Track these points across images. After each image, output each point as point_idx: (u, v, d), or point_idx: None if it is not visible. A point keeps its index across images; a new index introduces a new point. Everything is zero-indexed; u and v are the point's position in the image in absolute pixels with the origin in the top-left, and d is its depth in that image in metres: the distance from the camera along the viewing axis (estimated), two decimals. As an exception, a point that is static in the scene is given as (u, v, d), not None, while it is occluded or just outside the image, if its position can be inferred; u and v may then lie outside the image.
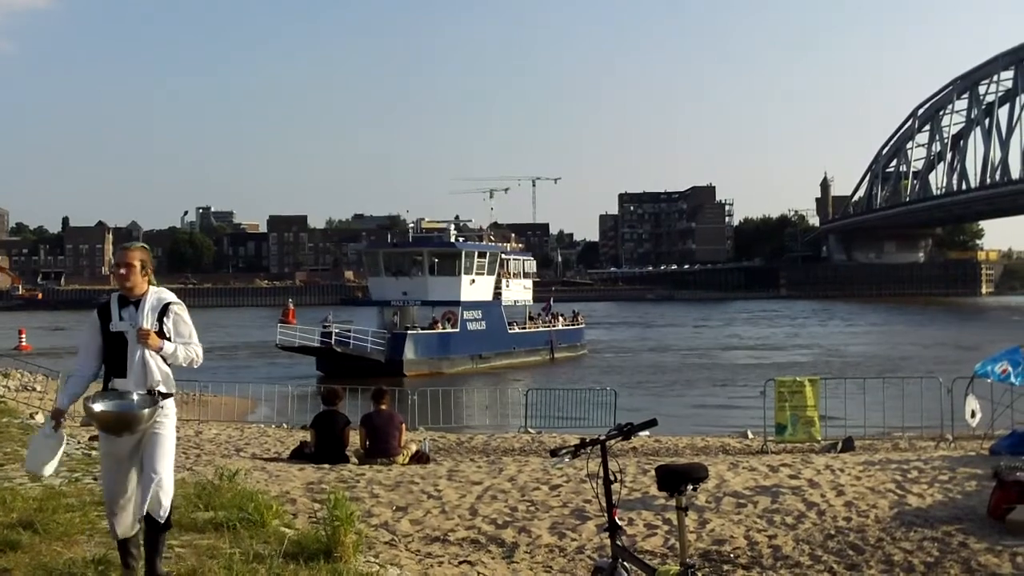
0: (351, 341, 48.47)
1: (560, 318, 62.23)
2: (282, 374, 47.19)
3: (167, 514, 6.44)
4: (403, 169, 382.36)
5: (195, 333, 6.72)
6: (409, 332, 49.28)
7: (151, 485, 6.35)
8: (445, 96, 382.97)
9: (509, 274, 59.49)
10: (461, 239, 56.68)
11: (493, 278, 55.68)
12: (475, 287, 53.46)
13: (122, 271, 6.61)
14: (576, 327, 63.19)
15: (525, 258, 66.31)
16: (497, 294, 56.28)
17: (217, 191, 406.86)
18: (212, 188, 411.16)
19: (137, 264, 6.61)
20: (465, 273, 52.72)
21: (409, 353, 48.21)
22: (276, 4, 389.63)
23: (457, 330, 51.51)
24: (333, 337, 48.20)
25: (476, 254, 54.07)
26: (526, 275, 63.21)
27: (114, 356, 6.54)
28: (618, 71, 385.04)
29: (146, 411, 6.36)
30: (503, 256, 58.56)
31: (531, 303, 62.38)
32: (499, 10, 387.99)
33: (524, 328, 58.28)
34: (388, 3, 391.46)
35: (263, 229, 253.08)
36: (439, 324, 51.03)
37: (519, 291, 60.50)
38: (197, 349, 6.69)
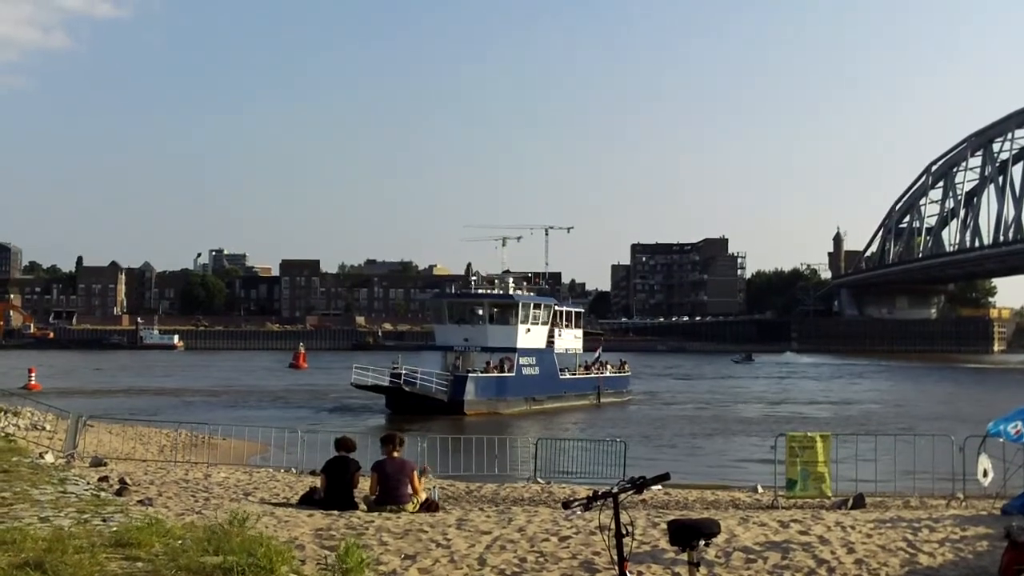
0: (418, 381, 52.64)
1: (608, 366, 65.99)
2: (291, 416, 47.16)
3: None
4: (416, 216, 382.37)
5: None
6: (470, 375, 53.53)
7: None
8: (458, 144, 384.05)
9: (561, 324, 62.79)
10: (518, 291, 60.18)
11: (547, 327, 59.23)
12: (530, 335, 57.17)
13: None
14: (622, 375, 67.16)
15: (576, 309, 69.64)
16: (550, 342, 59.81)
17: (230, 234, 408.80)
18: (225, 231, 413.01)
19: None
20: (521, 322, 56.34)
21: (470, 394, 52.11)
22: (289, 47, 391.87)
23: (513, 374, 55.44)
24: (402, 377, 52.37)
25: (532, 305, 57.97)
26: (576, 325, 66.35)
27: None
28: (632, 122, 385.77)
29: None
30: (556, 308, 62.23)
31: (580, 351, 65.79)
32: (514, 58, 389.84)
33: (574, 374, 62.31)
34: (401, 51, 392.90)
35: (276, 273, 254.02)
36: (494, 368, 54.60)
37: (570, 340, 64.10)
38: None
